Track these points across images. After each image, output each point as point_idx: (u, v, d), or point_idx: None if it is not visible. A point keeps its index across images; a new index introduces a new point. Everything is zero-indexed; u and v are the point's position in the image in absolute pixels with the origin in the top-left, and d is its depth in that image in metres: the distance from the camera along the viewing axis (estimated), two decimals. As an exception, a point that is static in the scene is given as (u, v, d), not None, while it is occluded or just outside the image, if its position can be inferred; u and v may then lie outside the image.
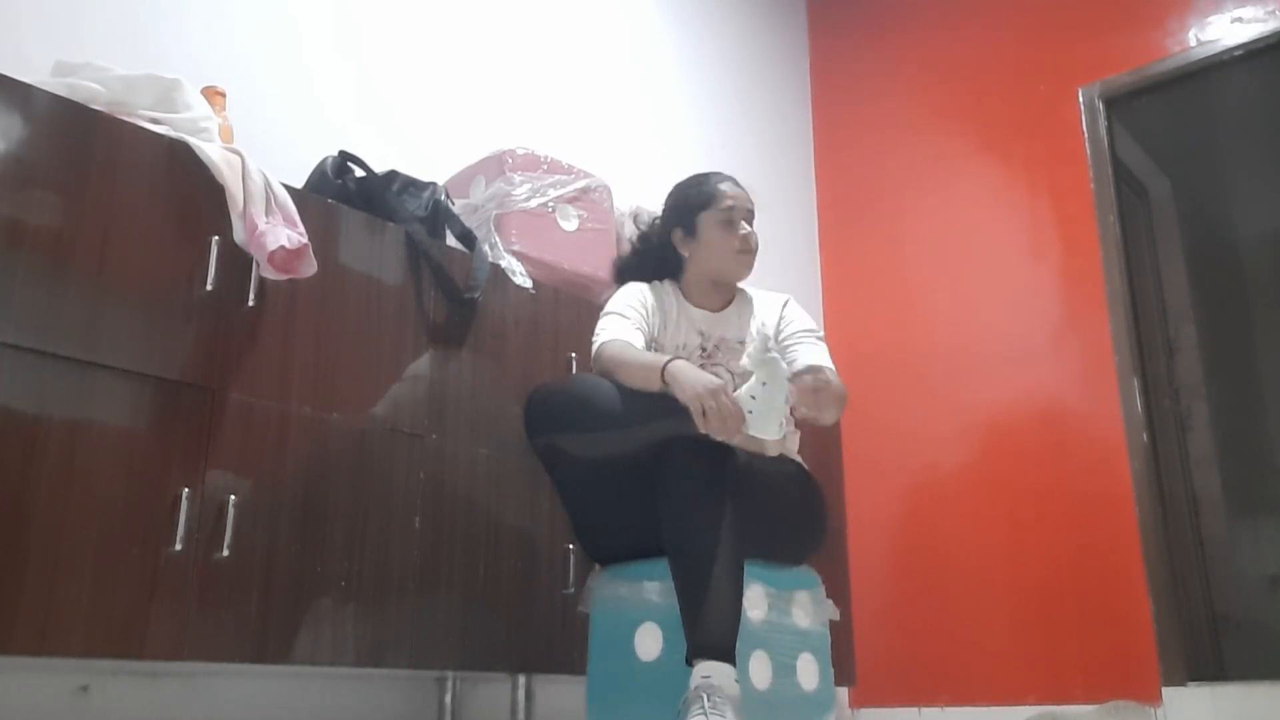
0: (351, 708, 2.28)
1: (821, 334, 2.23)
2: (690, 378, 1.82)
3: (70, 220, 1.65)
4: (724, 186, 2.18)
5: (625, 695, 1.94)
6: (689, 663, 1.70)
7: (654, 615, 1.92)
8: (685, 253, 2.19)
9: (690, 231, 2.18)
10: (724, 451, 1.85)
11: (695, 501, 1.80)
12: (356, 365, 2.01)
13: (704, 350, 2.15)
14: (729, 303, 2.23)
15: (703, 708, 1.59)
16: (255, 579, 1.76)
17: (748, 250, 2.15)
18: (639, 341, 2.04)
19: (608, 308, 2.14)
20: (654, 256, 2.25)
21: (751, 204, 2.19)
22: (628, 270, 2.29)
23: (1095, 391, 3.31)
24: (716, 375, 2.02)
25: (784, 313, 2.23)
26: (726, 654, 1.70)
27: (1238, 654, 3.37)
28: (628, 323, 2.08)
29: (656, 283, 2.22)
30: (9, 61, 1.75)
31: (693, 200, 2.18)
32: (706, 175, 2.23)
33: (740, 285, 2.26)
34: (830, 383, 1.92)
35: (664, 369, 1.86)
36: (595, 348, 2.05)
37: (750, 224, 2.17)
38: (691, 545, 1.77)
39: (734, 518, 1.79)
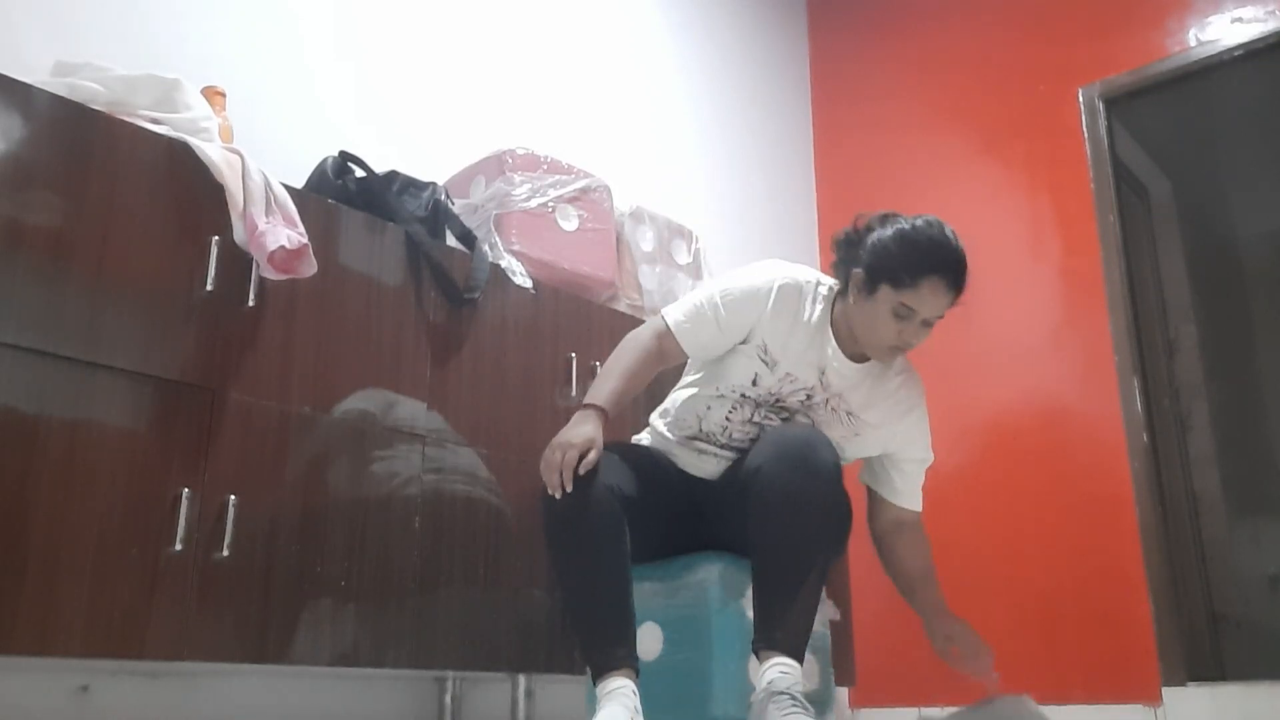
0: (351, 708, 2.28)
1: (930, 458, 2.13)
2: (568, 428, 1.79)
3: (70, 220, 1.65)
4: (927, 284, 1.85)
5: (625, 695, 1.94)
6: (758, 653, 1.70)
7: (654, 615, 1.92)
8: (851, 298, 1.93)
9: (868, 290, 1.90)
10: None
11: (796, 502, 1.78)
12: (356, 365, 2.01)
13: (809, 398, 1.98)
14: (868, 360, 2.00)
15: (799, 704, 1.61)
16: (255, 579, 1.76)
17: (899, 349, 1.94)
18: (700, 351, 1.98)
19: (712, 294, 1.96)
20: (843, 261, 2.00)
21: (942, 312, 1.89)
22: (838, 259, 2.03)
23: (1095, 391, 3.31)
24: (787, 408, 1.97)
25: (905, 426, 2.07)
26: (800, 655, 1.72)
27: (1238, 654, 3.37)
28: (700, 331, 1.95)
29: (815, 312, 1.97)
30: (9, 61, 1.76)
31: (894, 269, 1.87)
32: (929, 253, 1.88)
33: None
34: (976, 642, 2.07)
35: (583, 405, 1.84)
36: (657, 319, 1.99)
37: (928, 329, 1.91)
38: (790, 543, 1.77)
39: (824, 529, 1.80)
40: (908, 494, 2.13)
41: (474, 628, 2.08)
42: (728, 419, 2.00)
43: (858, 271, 1.92)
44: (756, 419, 1.99)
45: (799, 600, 1.74)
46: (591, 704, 1.95)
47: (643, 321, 2.21)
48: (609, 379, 1.90)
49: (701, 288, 2.07)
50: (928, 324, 1.90)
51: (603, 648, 1.73)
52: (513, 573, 2.17)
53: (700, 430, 2.02)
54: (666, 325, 1.98)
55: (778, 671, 1.66)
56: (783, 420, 1.99)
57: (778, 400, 1.98)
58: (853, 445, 2.04)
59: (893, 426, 2.05)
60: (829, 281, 2.03)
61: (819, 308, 1.98)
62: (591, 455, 1.73)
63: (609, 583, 1.77)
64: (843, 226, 2.05)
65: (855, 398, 2.00)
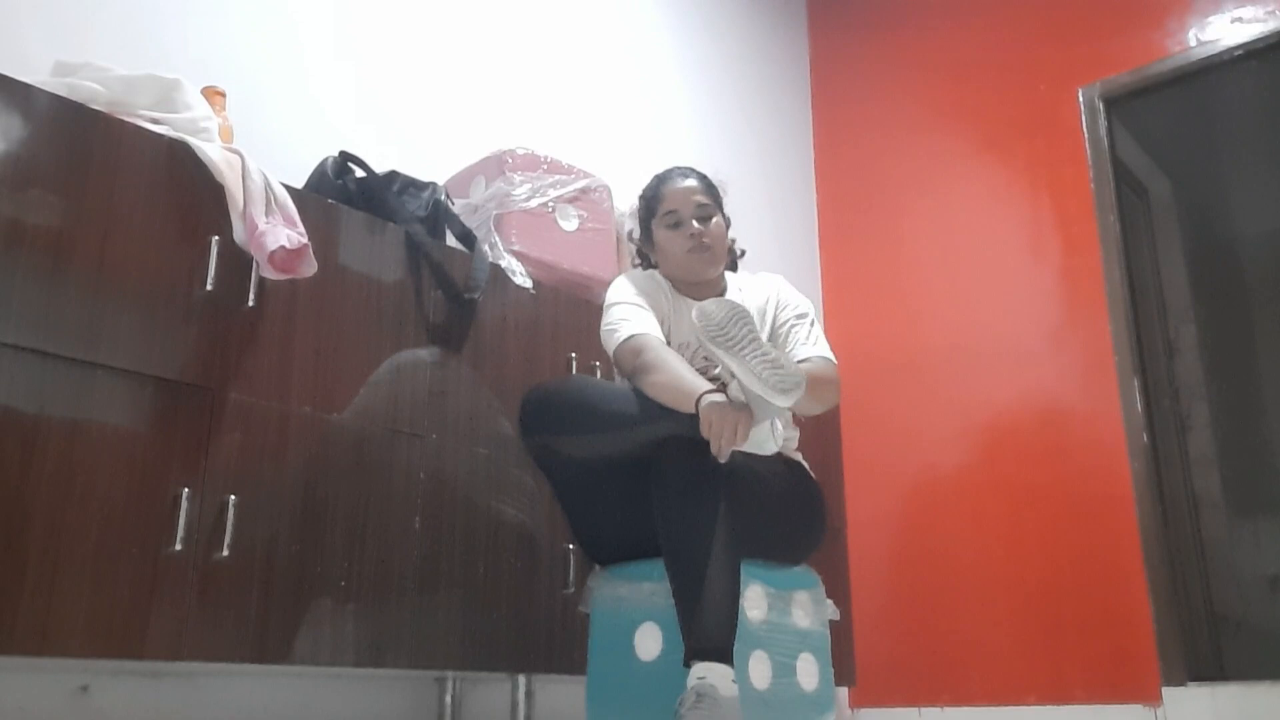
0: (351, 708, 2.28)
1: (813, 315, 2.19)
2: (720, 417, 1.75)
3: (70, 220, 1.65)
4: (666, 188, 2.14)
5: (625, 695, 1.94)
6: (686, 664, 1.69)
7: (654, 615, 1.92)
8: (653, 259, 2.20)
9: (649, 240, 2.18)
10: None
11: (688, 501, 1.79)
12: (356, 365, 2.01)
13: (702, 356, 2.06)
14: (720, 294, 2.16)
15: (696, 710, 1.59)
16: (255, 579, 1.76)
17: (700, 248, 2.10)
18: (659, 330, 2.02)
19: (615, 297, 2.09)
20: (644, 265, 2.24)
21: (704, 197, 2.13)
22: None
23: (1095, 391, 3.31)
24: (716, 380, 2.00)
25: (778, 298, 2.19)
26: (723, 655, 1.69)
27: (1238, 654, 3.37)
28: (645, 313, 2.04)
29: (654, 276, 2.17)
30: (9, 61, 1.75)
31: (645, 208, 2.18)
32: (658, 177, 2.19)
33: (727, 274, 2.21)
34: (825, 379, 1.97)
35: (700, 400, 1.78)
36: (621, 340, 1.98)
37: (707, 218, 2.12)
38: (686, 545, 1.77)
39: (728, 517, 1.78)
40: (803, 345, 2.10)
41: (474, 628, 2.08)
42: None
43: (643, 238, 2.19)
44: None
45: (708, 598, 1.72)
46: (592, 704, 1.96)
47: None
48: (681, 367, 1.89)
49: (606, 314, 2.08)
50: (702, 210, 2.11)
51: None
52: (513, 573, 2.17)
53: None
54: (629, 336, 1.98)
55: (695, 679, 1.65)
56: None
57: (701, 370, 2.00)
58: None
59: (768, 305, 2.16)
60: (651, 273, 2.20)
61: (661, 280, 2.16)
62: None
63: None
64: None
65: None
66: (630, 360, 1.95)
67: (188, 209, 1.80)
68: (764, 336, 2.02)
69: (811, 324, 2.15)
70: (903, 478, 3.61)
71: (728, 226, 2.19)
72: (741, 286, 2.20)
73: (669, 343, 2.03)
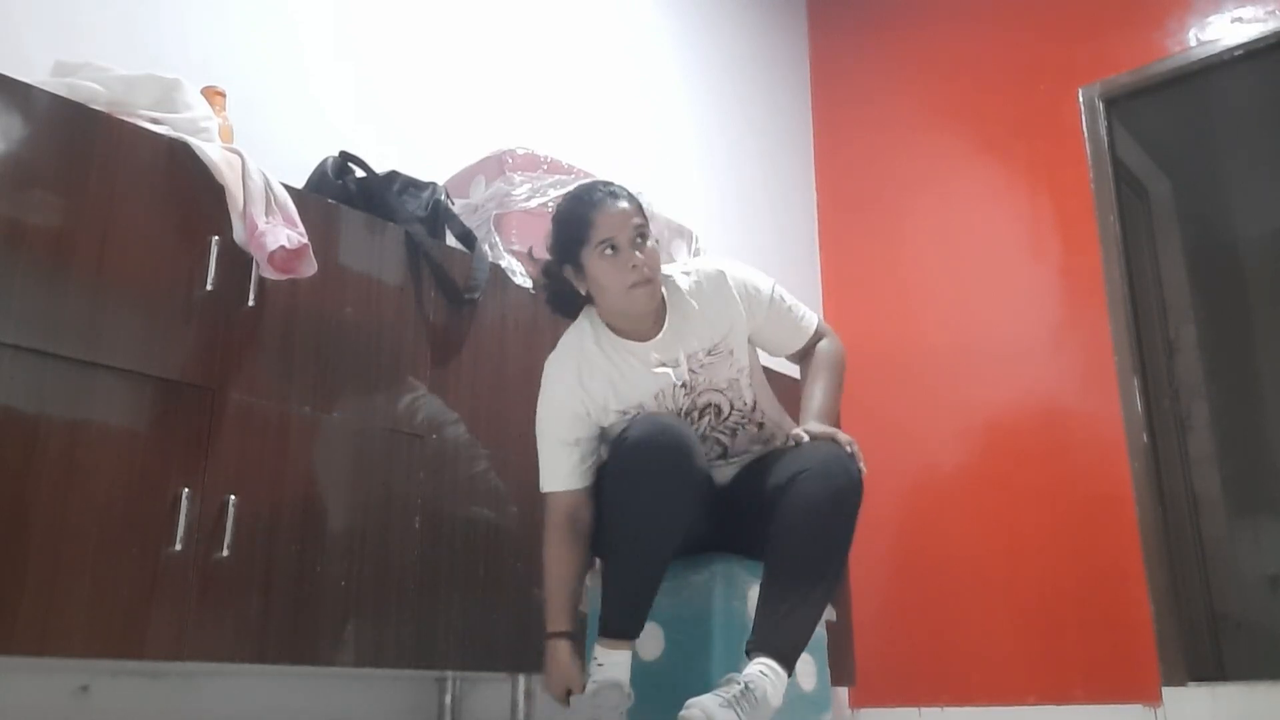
0: (351, 708, 2.28)
1: (776, 287, 2.02)
2: (550, 666, 1.86)
3: (70, 220, 1.65)
4: (599, 214, 1.84)
5: (625, 695, 1.94)
6: (749, 653, 1.70)
7: (654, 615, 1.91)
8: (583, 290, 1.91)
9: (579, 270, 1.88)
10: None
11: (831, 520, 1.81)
12: (356, 365, 2.01)
13: (687, 387, 1.92)
14: (664, 315, 1.93)
15: (729, 698, 1.60)
16: (255, 579, 1.76)
17: (643, 280, 1.83)
18: (578, 476, 1.91)
19: (540, 423, 1.94)
20: (564, 295, 1.97)
21: (640, 217, 1.87)
22: (559, 305, 2.01)
23: (1095, 391, 3.31)
24: (718, 407, 1.97)
25: (743, 296, 1.97)
26: (791, 664, 1.71)
27: (1238, 654, 3.37)
28: (564, 457, 1.91)
29: (587, 340, 1.93)
30: (9, 61, 1.75)
31: (572, 235, 1.87)
32: (584, 201, 1.88)
33: (665, 288, 1.94)
34: (837, 432, 1.89)
35: (547, 638, 1.88)
36: (542, 489, 1.94)
37: (644, 241, 1.85)
38: (814, 557, 1.78)
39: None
40: (794, 331, 2.05)
41: (474, 628, 2.08)
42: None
43: (567, 268, 1.91)
44: (706, 429, 1.97)
45: (804, 610, 1.74)
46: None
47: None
48: (553, 588, 1.90)
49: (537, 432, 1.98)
50: (639, 231, 1.85)
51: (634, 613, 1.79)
52: (512, 573, 2.17)
53: None
54: (549, 496, 1.94)
55: (757, 670, 1.65)
56: (718, 415, 1.98)
57: (689, 412, 1.94)
58: (751, 354, 2.02)
59: (733, 315, 1.96)
60: (575, 324, 1.99)
61: (602, 335, 1.93)
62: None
63: (667, 551, 1.81)
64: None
65: (695, 343, 1.93)
66: (545, 518, 1.94)
67: (188, 209, 1.80)
68: (742, 338, 1.98)
69: (785, 301, 2.03)
70: (903, 478, 3.61)
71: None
72: (688, 313, 1.94)
73: (623, 404, 1.90)
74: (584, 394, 1.90)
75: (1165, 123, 3.95)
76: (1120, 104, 3.55)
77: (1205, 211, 4.23)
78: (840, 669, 2.75)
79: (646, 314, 1.90)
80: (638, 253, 1.84)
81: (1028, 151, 3.66)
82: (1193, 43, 3.41)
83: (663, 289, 1.91)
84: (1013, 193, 3.68)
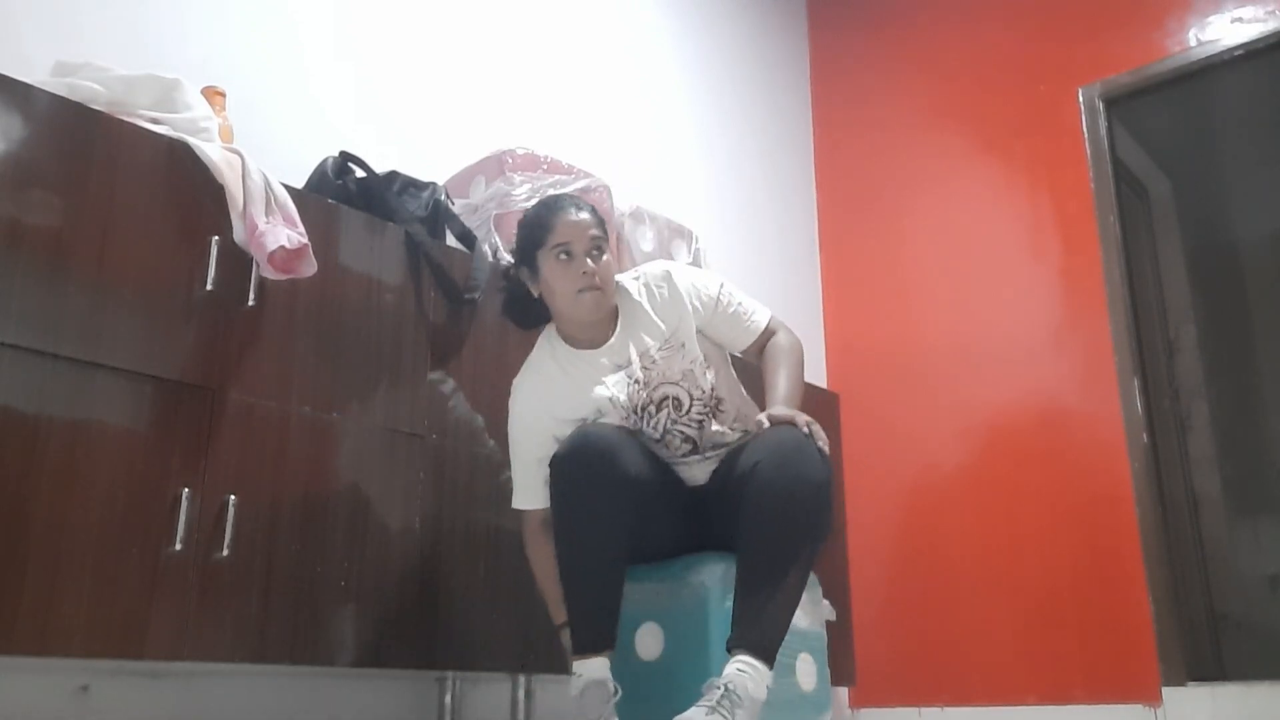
0: (351, 708, 2.28)
1: (725, 285, 2.04)
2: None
3: (70, 220, 1.65)
4: (559, 219, 1.92)
5: (625, 695, 1.93)
6: (730, 650, 1.69)
7: (654, 615, 1.92)
8: (536, 293, 1.97)
9: (534, 272, 1.95)
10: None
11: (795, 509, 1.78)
12: (356, 365, 2.01)
13: (642, 383, 1.95)
14: (615, 318, 1.98)
15: (712, 704, 1.59)
16: (255, 579, 1.76)
17: (591, 287, 1.89)
18: (543, 496, 1.93)
19: (512, 443, 2.00)
20: (516, 298, 2.04)
21: (599, 230, 1.93)
22: (511, 310, 2.07)
23: (1095, 391, 3.31)
24: (677, 400, 1.97)
25: (685, 292, 2.00)
26: (770, 657, 1.70)
27: (1238, 654, 3.37)
28: (538, 479, 1.92)
29: (545, 356, 1.99)
30: (9, 61, 1.75)
31: (530, 236, 1.95)
32: (547, 206, 1.98)
33: (618, 296, 2.00)
34: (801, 419, 1.84)
35: (558, 630, 1.92)
36: (515, 506, 1.99)
37: (599, 254, 1.91)
38: (779, 547, 1.76)
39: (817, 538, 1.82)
40: (743, 329, 2.05)
41: (474, 628, 2.08)
42: (652, 429, 1.98)
43: (524, 269, 1.97)
44: (668, 423, 1.98)
45: (777, 601, 1.73)
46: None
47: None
48: (549, 588, 1.94)
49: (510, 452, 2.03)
50: (595, 243, 1.91)
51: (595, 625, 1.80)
52: (513, 573, 2.17)
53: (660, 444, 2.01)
54: (524, 512, 1.99)
55: (735, 669, 1.65)
56: (678, 408, 1.98)
57: (645, 407, 1.96)
58: (709, 347, 2.03)
59: (680, 311, 2.00)
60: (537, 344, 2.04)
61: (558, 351, 1.98)
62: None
63: (613, 558, 1.82)
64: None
65: (647, 340, 1.97)
66: (522, 531, 2.00)
67: (188, 209, 1.80)
68: (691, 332, 1.99)
69: (733, 299, 2.04)
70: (903, 478, 3.61)
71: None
72: (638, 313, 1.99)
73: (578, 415, 1.93)
74: (545, 413, 1.95)
75: (1165, 123, 3.95)
76: (1120, 104, 3.56)
77: (1205, 212, 4.23)
78: (840, 669, 2.75)
79: (596, 321, 1.96)
80: (590, 261, 1.90)
81: (1028, 151, 3.66)
82: (1193, 43, 3.42)
83: (615, 299, 1.97)
84: (1013, 193, 3.68)
